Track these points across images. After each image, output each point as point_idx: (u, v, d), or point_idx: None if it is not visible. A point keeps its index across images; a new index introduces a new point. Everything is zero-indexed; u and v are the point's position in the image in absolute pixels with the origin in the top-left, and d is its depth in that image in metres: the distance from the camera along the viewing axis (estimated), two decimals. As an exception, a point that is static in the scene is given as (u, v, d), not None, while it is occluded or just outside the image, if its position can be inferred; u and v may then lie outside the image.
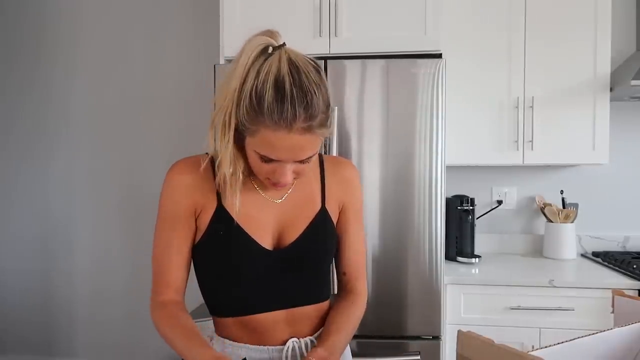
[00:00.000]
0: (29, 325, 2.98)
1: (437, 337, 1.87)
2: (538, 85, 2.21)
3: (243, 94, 0.86)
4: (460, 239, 2.31)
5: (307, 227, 1.03)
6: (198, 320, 1.08)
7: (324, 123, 0.88)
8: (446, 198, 2.01)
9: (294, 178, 0.95)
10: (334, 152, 1.88)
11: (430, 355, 1.86)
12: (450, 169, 2.23)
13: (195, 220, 1.01)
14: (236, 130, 0.90)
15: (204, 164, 0.99)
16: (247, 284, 1.01)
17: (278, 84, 0.84)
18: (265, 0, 2.01)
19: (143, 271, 2.83)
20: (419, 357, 1.84)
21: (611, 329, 0.59)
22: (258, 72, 0.85)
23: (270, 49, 0.88)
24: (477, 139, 2.25)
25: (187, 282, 1.04)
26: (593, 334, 0.57)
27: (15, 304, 3.00)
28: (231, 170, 0.94)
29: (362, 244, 1.14)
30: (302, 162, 0.91)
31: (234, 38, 1.99)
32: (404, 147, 1.87)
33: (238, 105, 0.87)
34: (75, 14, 2.88)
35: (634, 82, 2.04)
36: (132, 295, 2.86)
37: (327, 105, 0.89)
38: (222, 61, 2.01)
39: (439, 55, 1.93)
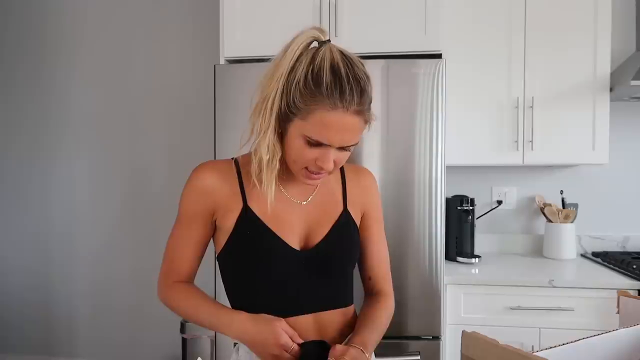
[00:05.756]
0: (30, 324, 2.97)
1: (437, 337, 1.86)
2: (538, 86, 2.21)
3: (295, 79, 0.89)
4: (460, 239, 2.31)
5: (332, 228, 1.03)
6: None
7: (371, 110, 0.93)
8: (446, 198, 2.01)
9: (332, 169, 0.94)
10: (334, 152, 1.87)
11: (430, 355, 1.85)
12: (450, 169, 2.23)
13: (215, 222, 1.02)
14: (279, 118, 0.92)
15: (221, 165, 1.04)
16: (277, 285, 0.99)
17: (334, 69, 0.87)
18: (265, 1, 2.01)
19: (144, 270, 2.83)
20: (419, 357, 1.84)
21: (617, 329, 0.59)
22: (313, 58, 0.89)
23: (317, 43, 0.92)
24: (477, 139, 2.25)
25: (196, 273, 1.08)
26: (598, 334, 0.57)
27: (16, 303, 2.99)
28: (269, 156, 0.94)
29: (386, 249, 1.14)
30: (344, 149, 0.92)
31: (234, 38, 1.99)
32: (404, 147, 1.87)
33: (286, 89, 0.90)
34: (77, 15, 2.88)
35: (633, 82, 2.04)
36: (132, 295, 2.86)
37: (371, 99, 0.93)
38: (222, 61, 2.01)
39: (439, 56, 1.93)
